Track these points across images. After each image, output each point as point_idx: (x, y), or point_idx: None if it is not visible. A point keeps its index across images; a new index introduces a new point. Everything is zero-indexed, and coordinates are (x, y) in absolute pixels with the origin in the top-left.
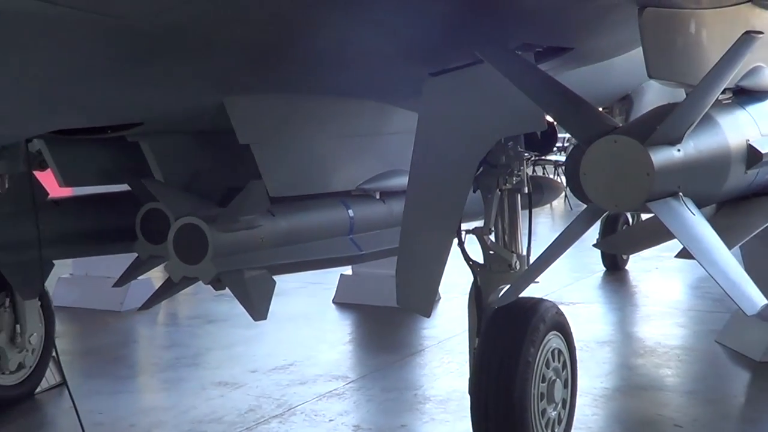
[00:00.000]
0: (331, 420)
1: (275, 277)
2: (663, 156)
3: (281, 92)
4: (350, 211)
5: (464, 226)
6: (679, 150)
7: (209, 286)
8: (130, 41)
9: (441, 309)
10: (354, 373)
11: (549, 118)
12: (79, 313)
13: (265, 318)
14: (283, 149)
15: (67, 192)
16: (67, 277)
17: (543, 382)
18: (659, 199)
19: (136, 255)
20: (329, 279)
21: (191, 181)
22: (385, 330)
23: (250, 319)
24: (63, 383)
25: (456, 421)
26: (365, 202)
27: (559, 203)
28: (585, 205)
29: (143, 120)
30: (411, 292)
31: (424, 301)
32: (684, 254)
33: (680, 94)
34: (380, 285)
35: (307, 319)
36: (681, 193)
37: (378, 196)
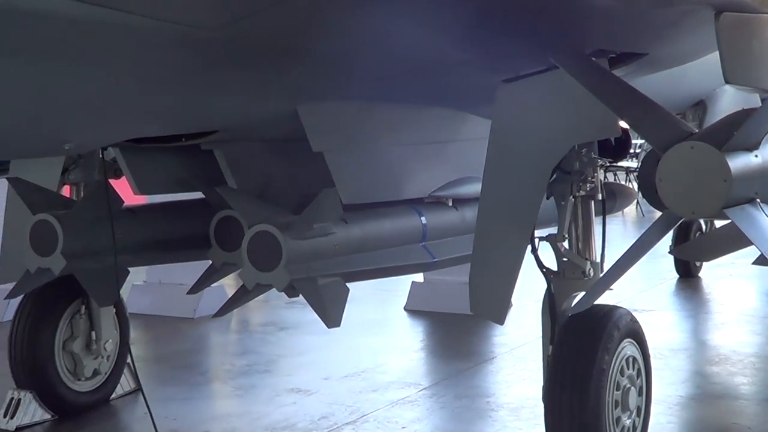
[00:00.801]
0: (403, 427)
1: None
2: (740, 162)
3: (354, 100)
4: (423, 219)
5: (538, 233)
6: (756, 156)
7: (281, 293)
8: (206, 50)
9: (513, 316)
10: (426, 380)
11: (622, 124)
12: (153, 320)
13: (339, 325)
14: (356, 157)
15: (140, 200)
16: (141, 284)
17: (617, 389)
18: (736, 205)
19: (210, 262)
20: (400, 286)
21: (264, 188)
22: (457, 337)
23: (322, 326)
24: (138, 389)
25: (529, 429)
26: (438, 209)
27: (630, 209)
28: (657, 212)
29: (218, 128)
30: (484, 299)
31: (498, 308)
32: (762, 261)
33: (754, 100)
34: (451, 292)
35: (379, 327)
36: (758, 200)
37: (450, 203)
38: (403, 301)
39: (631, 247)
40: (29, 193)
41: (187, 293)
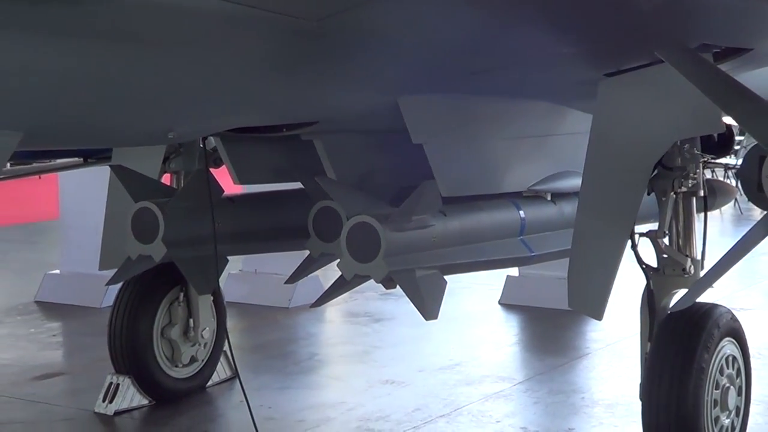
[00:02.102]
0: (497, 421)
1: None
2: None
3: (455, 93)
4: (521, 212)
5: (638, 229)
6: None
7: (377, 284)
8: (308, 42)
9: (608, 312)
10: (520, 375)
11: (725, 120)
12: (248, 309)
13: (437, 317)
14: (455, 149)
15: (238, 189)
16: (237, 273)
17: (716, 389)
18: None
19: (308, 253)
20: (495, 280)
21: (363, 179)
22: (552, 332)
23: (417, 317)
24: (234, 377)
25: (625, 426)
26: (536, 203)
27: (727, 206)
28: (755, 210)
29: (318, 119)
30: (583, 295)
31: (597, 303)
32: None
33: None
34: (547, 287)
35: (473, 320)
36: None
37: (549, 198)
38: (498, 295)
39: (734, 245)
40: (131, 181)
41: (285, 283)
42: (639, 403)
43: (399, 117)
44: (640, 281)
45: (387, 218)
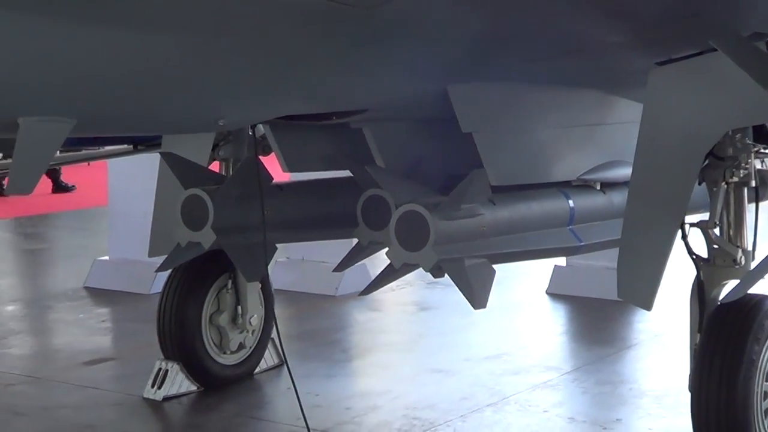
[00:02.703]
0: (545, 411)
1: None
2: None
3: (505, 81)
4: (570, 202)
5: (688, 219)
6: None
7: (425, 273)
8: (358, 29)
9: (657, 302)
10: (568, 365)
11: None
12: (295, 297)
13: (485, 306)
14: (505, 138)
15: (286, 177)
16: (284, 260)
17: (767, 380)
18: None
19: (356, 241)
20: (542, 269)
21: (412, 168)
22: (599, 322)
23: (464, 307)
24: (281, 364)
25: (673, 418)
26: (585, 192)
27: None
28: None
29: (367, 107)
30: (633, 285)
31: (646, 294)
32: None
33: None
34: (594, 277)
35: (520, 310)
36: None
37: (598, 187)
38: (545, 284)
39: None
40: (181, 168)
41: (333, 271)
42: (688, 395)
43: (448, 105)
44: (690, 272)
45: (436, 207)
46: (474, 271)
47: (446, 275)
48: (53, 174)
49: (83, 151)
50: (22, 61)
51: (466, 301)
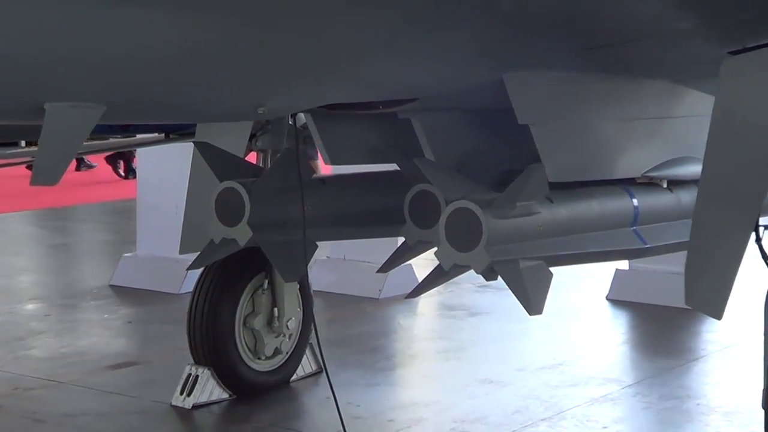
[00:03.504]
0: (604, 427)
1: None
2: None
3: (566, 70)
4: (635, 200)
5: (763, 221)
6: None
7: (476, 275)
8: (407, 13)
9: (727, 310)
10: (629, 377)
11: None
12: (335, 299)
13: (541, 312)
14: (565, 131)
15: (327, 170)
16: (324, 260)
17: None
18: None
19: (402, 240)
20: (603, 273)
21: (464, 162)
22: (664, 331)
23: (517, 312)
24: (320, 372)
25: None
26: (651, 191)
27: None
28: None
29: (417, 96)
30: (701, 292)
31: (716, 301)
32: None
33: None
34: (659, 282)
35: (578, 316)
36: None
37: (665, 185)
38: (606, 289)
39: None
40: (216, 159)
41: (378, 271)
42: (761, 412)
43: (504, 95)
44: (764, 278)
45: (490, 204)
46: (529, 273)
47: (499, 278)
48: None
49: (111, 140)
50: (49, 42)
51: (521, 306)
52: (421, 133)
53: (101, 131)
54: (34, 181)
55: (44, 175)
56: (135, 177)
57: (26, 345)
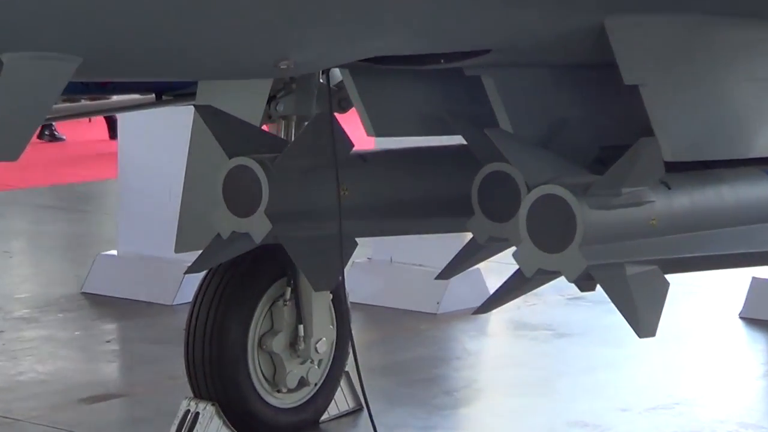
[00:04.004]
0: None
1: None
2: None
3: (686, 12)
4: None
5: None
6: None
7: (568, 284)
8: None
9: None
10: None
11: None
12: (379, 313)
13: (654, 334)
14: (686, 95)
15: (371, 143)
16: (365, 262)
17: None
18: None
19: (470, 236)
20: (734, 284)
21: (552, 134)
22: None
23: (622, 334)
24: (359, 410)
25: None
26: None
27: None
28: None
29: (491, 47)
30: None
31: None
32: None
33: None
34: None
35: (702, 339)
36: None
37: None
38: (739, 305)
39: None
40: (224, 128)
41: (436, 278)
42: None
43: (606, 46)
44: None
45: (586, 190)
46: (639, 282)
47: (598, 288)
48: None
49: (85, 102)
50: None
51: (626, 325)
52: (496, 96)
53: (74, 91)
54: None
55: (1, 148)
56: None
57: None
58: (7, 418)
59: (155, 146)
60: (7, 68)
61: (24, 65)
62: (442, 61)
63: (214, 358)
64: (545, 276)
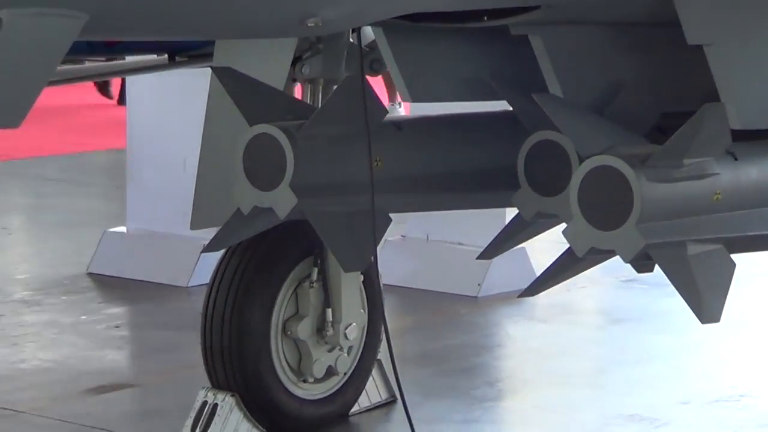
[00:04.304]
0: None
1: None
2: None
3: None
4: None
5: None
6: None
7: (624, 264)
8: None
9: None
10: None
11: None
12: (414, 296)
13: (718, 320)
14: (756, 56)
15: (406, 109)
16: (397, 240)
17: None
18: None
19: (515, 212)
20: None
21: (607, 100)
22: None
23: (680, 319)
24: (393, 401)
25: None
26: None
27: None
28: None
29: (540, 2)
30: None
31: None
32: None
33: None
34: None
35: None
36: None
37: None
38: None
39: None
40: (245, 92)
41: (478, 258)
42: None
43: (667, 1)
44: None
45: (644, 161)
46: (702, 262)
47: (657, 269)
48: None
49: (91, 65)
50: None
51: (687, 309)
52: (545, 57)
53: (79, 51)
54: None
55: (1, 113)
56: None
57: None
58: (7, 409)
59: (168, 112)
60: (6, 27)
61: (25, 23)
62: (485, 18)
63: (234, 345)
64: (598, 256)
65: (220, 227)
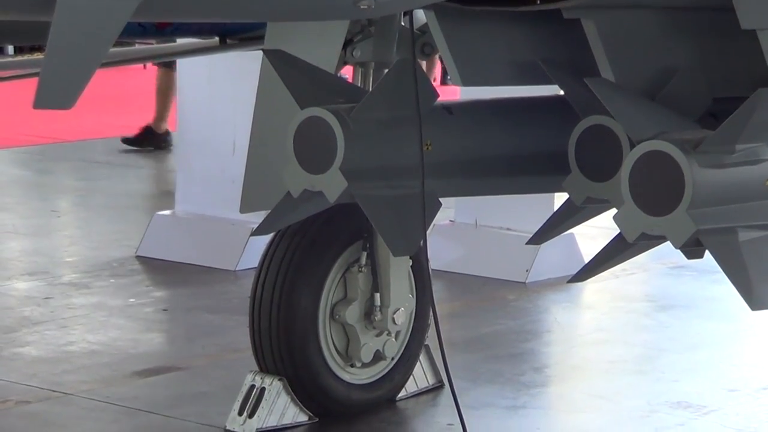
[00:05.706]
0: None
1: None
2: None
3: None
4: None
5: None
6: None
7: (674, 250)
8: None
9: None
10: None
11: None
12: (462, 282)
13: None
14: None
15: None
16: (447, 225)
17: None
18: None
19: (566, 197)
20: None
21: (659, 85)
22: None
23: (730, 306)
24: (440, 386)
25: None
26: None
27: None
28: None
29: None
30: None
31: None
32: None
33: None
34: None
35: None
36: None
37: None
38: None
39: None
40: (296, 76)
41: (527, 243)
42: None
43: None
44: None
45: (696, 146)
46: (753, 249)
47: (707, 255)
48: None
49: (140, 47)
50: None
51: (737, 296)
52: (597, 42)
53: (130, 33)
54: (38, 103)
55: (53, 94)
56: None
57: (18, 340)
58: (55, 392)
59: (218, 95)
60: (61, 4)
61: (78, 3)
62: (538, 1)
63: (282, 329)
64: (649, 241)
65: (269, 211)
